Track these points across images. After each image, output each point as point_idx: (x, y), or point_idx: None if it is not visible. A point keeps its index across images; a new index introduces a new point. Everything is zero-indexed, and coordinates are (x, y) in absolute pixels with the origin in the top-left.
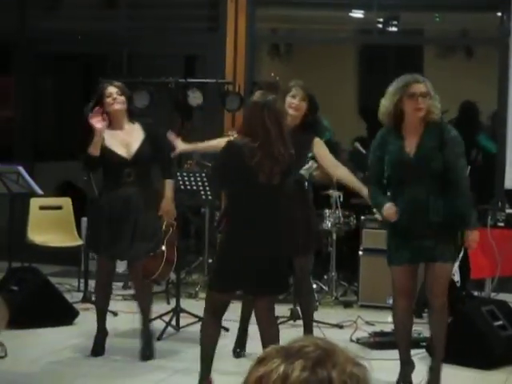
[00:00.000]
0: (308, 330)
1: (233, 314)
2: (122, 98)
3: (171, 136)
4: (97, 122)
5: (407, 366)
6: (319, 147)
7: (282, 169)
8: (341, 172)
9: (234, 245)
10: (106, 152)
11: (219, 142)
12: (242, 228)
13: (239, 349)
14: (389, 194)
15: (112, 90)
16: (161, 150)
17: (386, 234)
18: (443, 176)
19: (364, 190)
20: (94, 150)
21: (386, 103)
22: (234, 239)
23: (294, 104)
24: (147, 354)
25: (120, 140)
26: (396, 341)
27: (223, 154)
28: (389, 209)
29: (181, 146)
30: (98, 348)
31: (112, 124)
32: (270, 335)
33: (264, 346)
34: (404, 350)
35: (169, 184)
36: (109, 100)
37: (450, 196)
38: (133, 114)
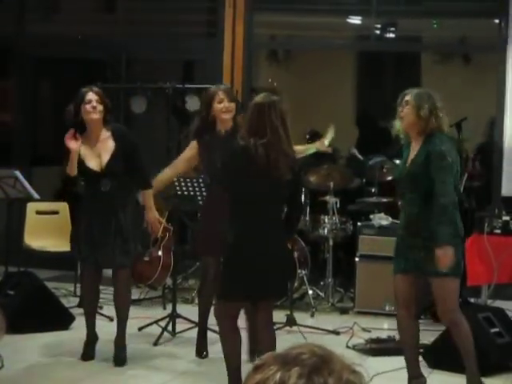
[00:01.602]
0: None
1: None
2: (101, 108)
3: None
4: (71, 143)
5: (416, 380)
6: None
7: (291, 166)
8: None
9: (243, 249)
10: (81, 165)
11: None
12: (251, 230)
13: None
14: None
15: (92, 97)
16: (131, 160)
17: None
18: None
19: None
20: (71, 171)
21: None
22: (243, 242)
23: (225, 108)
24: (122, 358)
25: (93, 151)
26: (402, 352)
27: (231, 157)
28: None
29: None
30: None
31: (87, 132)
32: (268, 343)
33: (261, 352)
34: (411, 363)
35: (147, 194)
36: (87, 107)
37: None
38: (108, 123)
